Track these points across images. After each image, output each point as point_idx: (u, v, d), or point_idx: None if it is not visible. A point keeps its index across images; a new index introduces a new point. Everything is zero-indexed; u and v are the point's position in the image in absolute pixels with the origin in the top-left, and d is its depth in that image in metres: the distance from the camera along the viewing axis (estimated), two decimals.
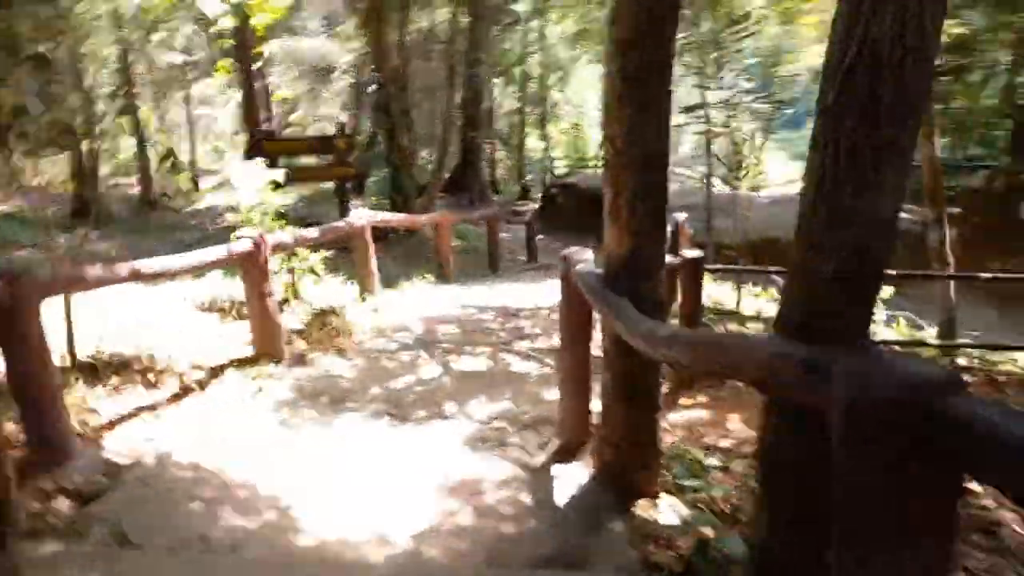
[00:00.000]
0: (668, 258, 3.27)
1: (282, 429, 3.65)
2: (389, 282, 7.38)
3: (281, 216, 6.04)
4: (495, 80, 25.29)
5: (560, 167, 28.78)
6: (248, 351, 4.77)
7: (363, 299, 6.32)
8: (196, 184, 18.45)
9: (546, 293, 7.76)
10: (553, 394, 4.22)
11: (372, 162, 16.38)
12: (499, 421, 3.83)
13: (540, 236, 12.62)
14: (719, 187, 26.73)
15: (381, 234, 7.50)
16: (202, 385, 4.17)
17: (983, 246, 11.28)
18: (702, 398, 4.45)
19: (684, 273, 4.50)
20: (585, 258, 3.06)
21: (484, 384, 4.40)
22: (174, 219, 14.90)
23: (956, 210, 13.71)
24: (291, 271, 5.96)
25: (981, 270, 11.90)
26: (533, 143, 30.89)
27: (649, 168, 2.55)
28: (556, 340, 5.56)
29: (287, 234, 5.27)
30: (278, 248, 4.99)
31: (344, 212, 10.24)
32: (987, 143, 16.00)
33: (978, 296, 10.69)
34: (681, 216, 8.06)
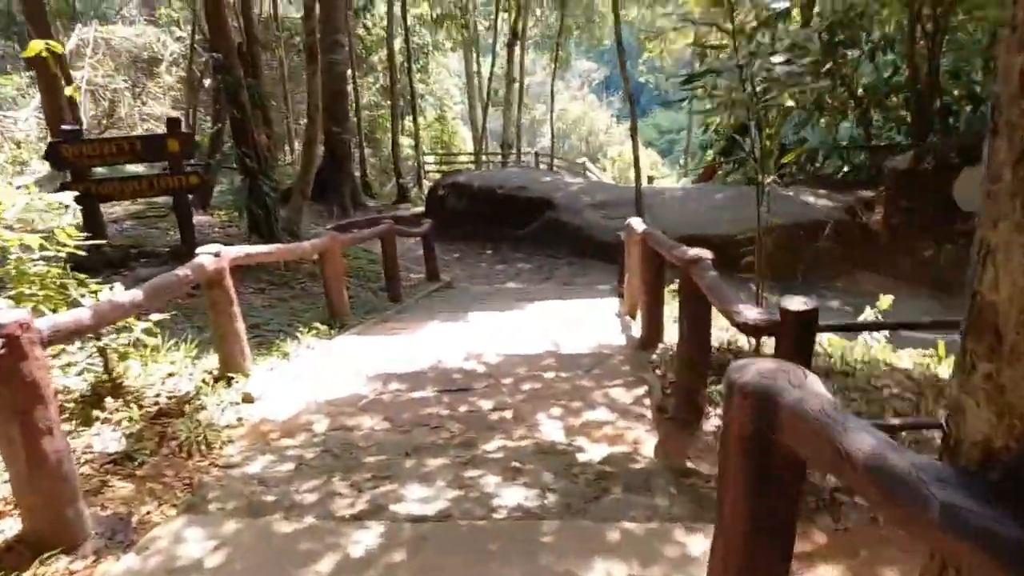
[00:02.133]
0: None
1: None
2: (262, 343, 5.18)
3: (79, 267, 3.79)
4: (350, 71, 22.92)
5: (430, 163, 26.80)
6: (13, 527, 2.60)
7: (228, 382, 4.14)
8: None
9: (481, 332, 5.89)
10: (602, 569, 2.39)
11: (216, 168, 13.64)
12: None
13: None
14: (597, 176, 25.75)
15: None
16: None
17: (913, 231, 10.66)
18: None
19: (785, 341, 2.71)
20: (819, 391, 1.23)
21: (466, 561, 2.49)
22: None
23: (869, 193, 13.23)
24: (103, 351, 3.71)
25: (912, 256, 11.36)
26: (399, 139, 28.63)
27: None
28: (542, 429, 3.74)
29: (85, 307, 3.05)
30: (65, 336, 2.78)
31: (187, 237, 7.81)
32: (893, 120, 15.82)
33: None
34: (637, 222, 6.47)
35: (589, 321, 6.09)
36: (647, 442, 3.42)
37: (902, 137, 16.29)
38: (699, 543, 2.49)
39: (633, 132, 9.70)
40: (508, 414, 3.76)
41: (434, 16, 26.21)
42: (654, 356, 4.73)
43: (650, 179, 22.02)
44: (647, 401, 3.85)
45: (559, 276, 10.91)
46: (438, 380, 4.26)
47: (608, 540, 2.57)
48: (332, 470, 3.25)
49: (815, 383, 1.29)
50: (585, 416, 3.70)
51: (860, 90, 16.75)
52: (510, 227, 12.51)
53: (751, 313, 2.63)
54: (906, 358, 4.59)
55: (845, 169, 16.08)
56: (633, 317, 6.42)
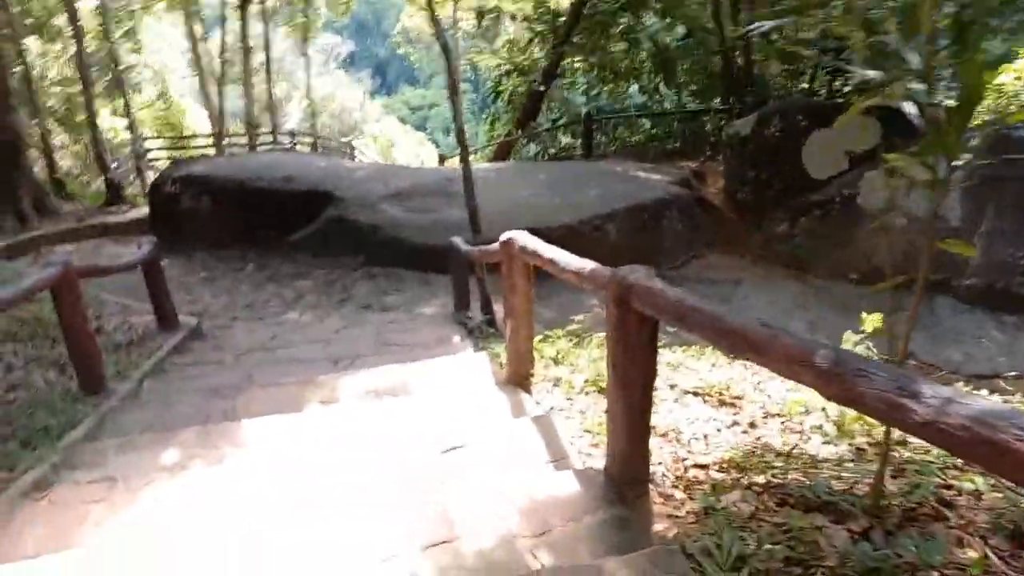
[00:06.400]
0: None
1: None
2: None
3: None
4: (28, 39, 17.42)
5: (158, 151, 21.60)
6: None
7: None
8: None
9: (283, 522, 2.66)
10: None
11: None
12: None
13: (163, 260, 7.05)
14: (370, 157, 22.66)
15: None
16: None
17: (762, 204, 9.35)
18: None
19: None
20: None
21: None
22: None
23: (693, 164, 11.90)
24: None
25: (763, 233, 10.15)
26: (109, 122, 22.87)
27: None
28: None
29: None
30: None
31: None
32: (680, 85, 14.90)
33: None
34: (528, 238, 3.87)
35: (475, 428, 3.36)
36: None
37: (690, 101, 15.51)
38: None
39: (453, 95, 7.03)
40: None
41: None
42: (689, 539, 2.20)
43: (441, 159, 19.42)
44: None
45: (358, 295, 7.94)
46: None
47: None
48: None
49: None
50: None
51: (644, 54, 15.69)
52: (277, 231, 9.17)
53: None
54: None
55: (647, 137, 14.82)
56: (527, 390, 3.89)
